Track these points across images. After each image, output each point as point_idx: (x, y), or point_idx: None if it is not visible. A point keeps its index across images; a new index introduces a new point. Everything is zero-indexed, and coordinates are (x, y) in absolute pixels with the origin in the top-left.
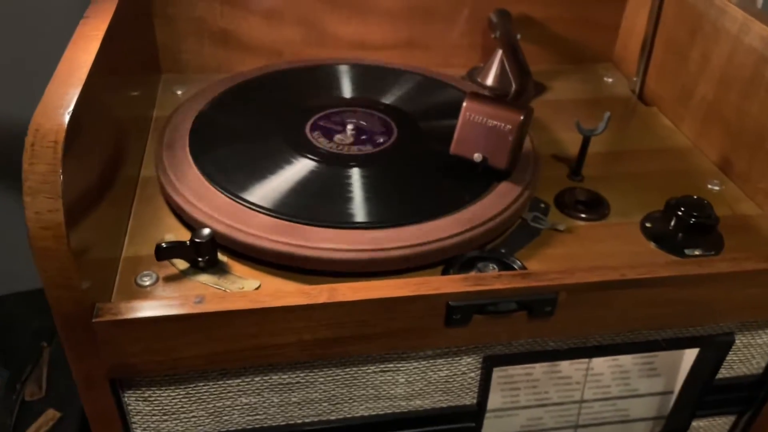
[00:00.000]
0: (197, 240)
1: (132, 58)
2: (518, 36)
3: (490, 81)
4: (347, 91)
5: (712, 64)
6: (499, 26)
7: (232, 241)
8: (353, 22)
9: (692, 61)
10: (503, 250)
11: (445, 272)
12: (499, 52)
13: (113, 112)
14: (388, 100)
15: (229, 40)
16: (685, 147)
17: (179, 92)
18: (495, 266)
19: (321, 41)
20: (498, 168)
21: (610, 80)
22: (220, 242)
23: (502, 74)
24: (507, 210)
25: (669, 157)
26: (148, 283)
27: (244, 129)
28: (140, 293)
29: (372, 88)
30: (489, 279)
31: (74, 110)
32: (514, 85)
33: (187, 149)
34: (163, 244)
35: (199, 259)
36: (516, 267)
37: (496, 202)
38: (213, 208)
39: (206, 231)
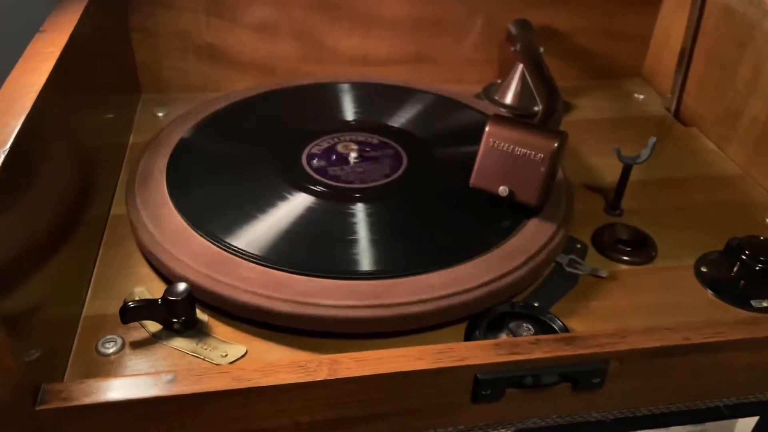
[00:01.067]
0: (171, 298)
1: (103, 76)
2: (541, 49)
3: (509, 99)
4: (349, 113)
5: (765, 80)
6: (519, 38)
7: (215, 297)
8: (355, 34)
9: (740, 76)
10: (537, 303)
11: (469, 331)
12: (520, 67)
13: (77, 140)
14: (396, 123)
15: (215, 56)
16: (734, 174)
17: (160, 114)
18: (530, 326)
19: (319, 56)
20: (527, 204)
21: (641, 97)
22: (199, 297)
23: (522, 92)
24: (540, 253)
25: (717, 186)
26: (111, 351)
27: (230, 159)
28: (101, 364)
29: (378, 110)
30: (526, 346)
31: (13, 145)
32: (540, 105)
33: (164, 184)
34: (129, 304)
35: (174, 320)
36: (556, 328)
37: (526, 243)
38: (192, 256)
39: (181, 287)
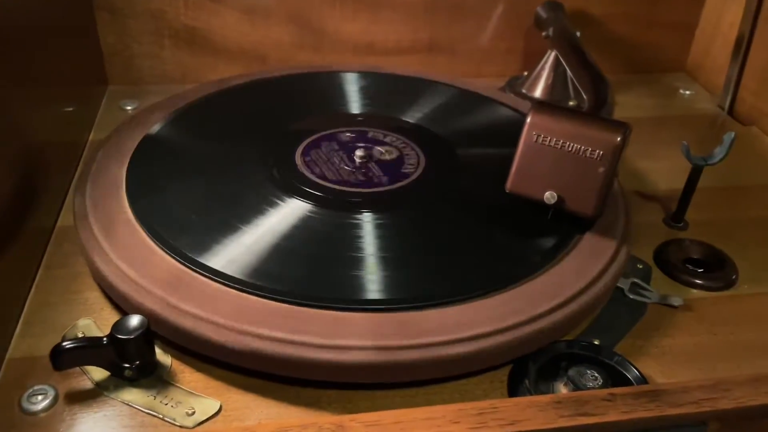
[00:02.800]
0: (121, 336)
1: (57, 63)
2: (577, 33)
3: (538, 92)
4: (354, 106)
5: None
6: (551, 21)
7: (181, 333)
8: (360, 18)
9: None
10: (597, 341)
11: (514, 380)
12: (552, 56)
13: (19, 136)
14: (411, 118)
15: (196, 42)
16: None
17: (129, 108)
18: (595, 372)
19: (317, 43)
20: (580, 213)
21: (687, 93)
22: (161, 333)
23: (555, 84)
24: (600, 278)
25: None
26: (40, 407)
27: (208, 159)
28: (26, 426)
29: (388, 103)
30: (597, 404)
31: None
32: (586, 97)
33: (123, 188)
34: (65, 344)
35: (126, 365)
36: (631, 377)
37: (582, 265)
38: (154, 279)
39: (135, 321)
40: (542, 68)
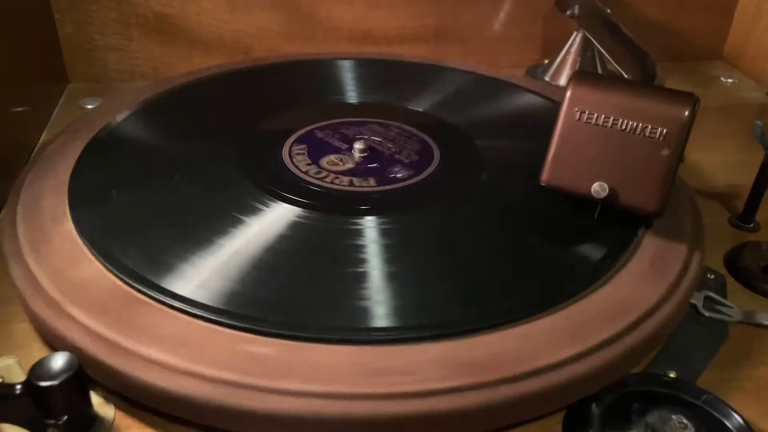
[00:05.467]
0: (40, 384)
1: (4, 58)
2: (608, 11)
3: (563, 80)
4: (353, 95)
5: None
6: None
7: (127, 380)
8: (357, 2)
9: None
10: (674, 374)
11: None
12: (578, 38)
13: None
14: (419, 106)
15: (168, 31)
16: None
17: (90, 107)
18: (682, 419)
19: (308, 31)
20: (638, 210)
21: (729, 81)
22: (99, 380)
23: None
24: (674, 291)
25: None
26: None
27: (175, 158)
28: None
29: (393, 91)
30: None
31: None
32: (629, 77)
33: (65, 193)
34: None
35: (51, 420)
36: (729, 425)
37: (647, 276)
38: (91, 307)
39: (59, 362)
40: (567, 53)
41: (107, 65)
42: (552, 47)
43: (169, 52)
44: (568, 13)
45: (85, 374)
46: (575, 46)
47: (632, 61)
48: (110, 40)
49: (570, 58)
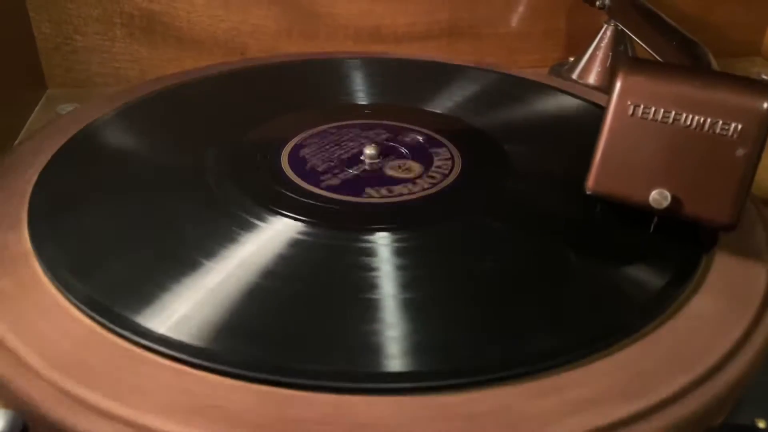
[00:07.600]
0: None
1: None
2: None
3: (592, 78)
4: (362, 95)
5: None
6: None
7: None
8: None
9: None
10: (762, 424)
11: None
12: (609, 30)
13: None
14: (438, 107)
15: (156, 30)
16: None
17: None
18: None
19: (309, 29)
20: (708, 222)
21: None
22: None
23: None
24: (758, 324)
25: None
26: None
27: (157, 168)
28: None
29: (406, 92)
30: None
31: None
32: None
33: (24, 209)
34: None
35: None
36: None
37: (725, 305)
38: (45, 350)
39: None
40: (597, 48)
41: (89, 68)
42: (577, 44)
43: (156, 53)
44: (597, 3)
45: None
46: (605, 40)
47: (678, 52)
48: (92, 40)
49: (600, 54)
